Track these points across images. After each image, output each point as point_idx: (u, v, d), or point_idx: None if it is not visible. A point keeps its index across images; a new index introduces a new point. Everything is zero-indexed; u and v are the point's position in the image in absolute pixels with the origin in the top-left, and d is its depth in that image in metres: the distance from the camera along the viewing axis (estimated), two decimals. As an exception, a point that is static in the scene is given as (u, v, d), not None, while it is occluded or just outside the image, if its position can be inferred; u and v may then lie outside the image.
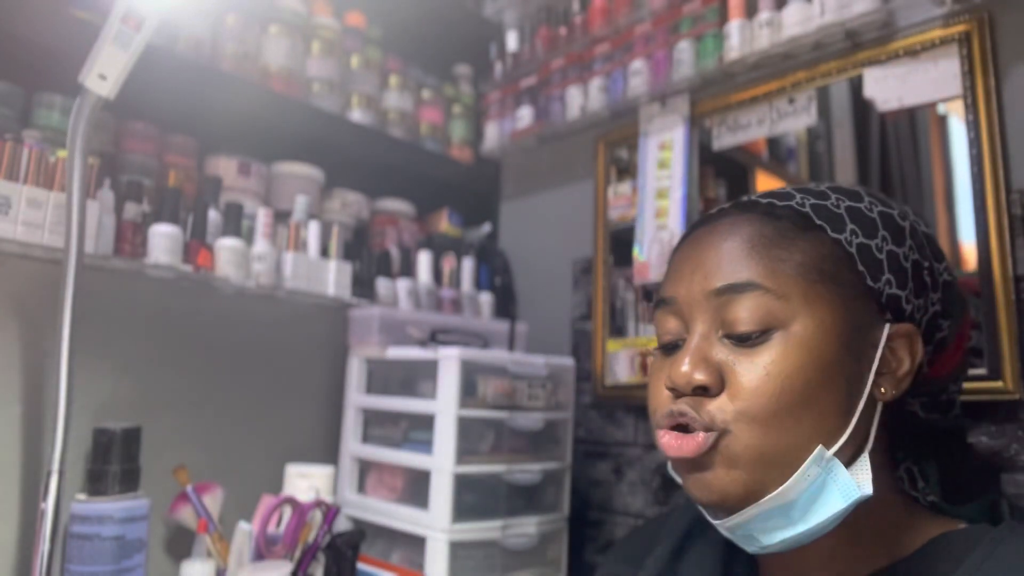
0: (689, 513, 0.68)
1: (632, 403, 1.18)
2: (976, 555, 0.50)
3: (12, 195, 0.84)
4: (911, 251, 0.55)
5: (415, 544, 1.02)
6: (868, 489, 0.50)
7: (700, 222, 0.61)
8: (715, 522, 0.54)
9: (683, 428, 0.53)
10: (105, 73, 0.79)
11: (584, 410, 1.24)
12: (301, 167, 1.23)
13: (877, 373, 0.53)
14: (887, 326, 0.53)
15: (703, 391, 0.52)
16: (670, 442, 0.53)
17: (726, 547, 0.62)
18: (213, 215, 1.06)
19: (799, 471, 0.49)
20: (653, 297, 0.63)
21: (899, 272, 0.54)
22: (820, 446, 0.50)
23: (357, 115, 1.31)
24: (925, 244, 0.57)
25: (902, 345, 0.54)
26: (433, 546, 0.99)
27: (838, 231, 0.54)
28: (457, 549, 0.99)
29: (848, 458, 0.52)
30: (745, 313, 0.52)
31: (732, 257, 0.54)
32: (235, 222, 1.06)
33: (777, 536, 0.51)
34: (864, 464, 0.51)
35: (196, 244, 1.01)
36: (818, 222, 0.54)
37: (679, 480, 0.57)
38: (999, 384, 0.80)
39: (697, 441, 0.51)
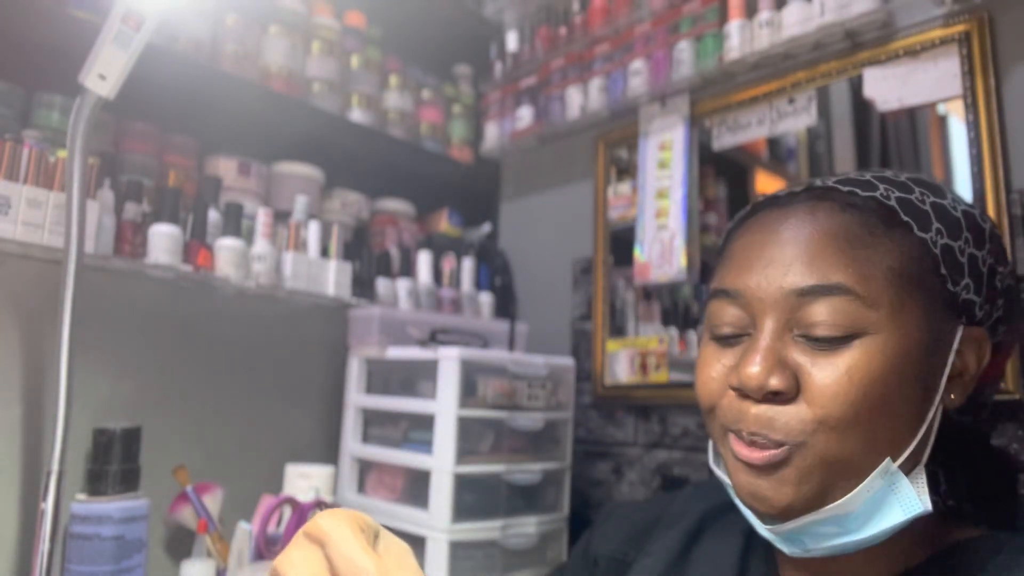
0: (703, 501, 0.65)
1: (632, 403, 1.17)
2: (997, 562, 0.48)
3: (12, 195, 0.84)
4: (988, 255, 0.53)
5: (415, 544, 1.02)
6: (928, 504, 0.47)
7: (766, 204, 0.56)
8: (763, 527, 0.52)
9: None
10: (105, 73, 0.79)
11: (584, 410, 1.24)
12: (301, 167, 1.23)
13: (948, 378, 0.50)
14: (960, 329, 0.51)
15: (774, 395, 0.49)
16: (741, 451, 0.50)
17: (744, 540, 0.60)
18: (213, 215, 1.06)
19: (864, 483, 0.47)
20: (708, 282, 0.59)
21: (977, 277, 0.51)
22: (888, 459, 0.47)
23: (357, 115, 1.31)
24: (995, 244, 0.54)
25: (971, 349, 0.52)
26: (433, 546, 0.99)
27: (924, 229, 0.50)
28: (457, 549, 0.99)
29: (908, 469, 0.49)
30: (830, 317, 0.48)
31: (817, 254, 0.49)
32: (235, 222, 1.06)
33: (827, 543, 0.50)
34: (922, 477, 0.49)
35: (196, 244, 1.01)
36: (905, 218, 0.50)
37: (725, 479, 0.54)
38: (999, 384, 0.80)
39: (770, 453, 0.48)
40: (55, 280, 0.82)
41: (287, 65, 1.21)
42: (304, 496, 0.98)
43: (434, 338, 1.16)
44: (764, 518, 0.52)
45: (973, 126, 0.86)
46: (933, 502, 0.54)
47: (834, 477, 0.48)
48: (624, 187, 1.24)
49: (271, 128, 1.18)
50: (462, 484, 1.00)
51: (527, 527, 1.06)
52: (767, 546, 0.59)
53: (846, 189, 0.52)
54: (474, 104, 1.51)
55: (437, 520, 0.99)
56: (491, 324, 1.27)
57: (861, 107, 1.03)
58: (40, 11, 0.91)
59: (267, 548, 0.92)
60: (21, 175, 0.86)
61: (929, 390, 0.49)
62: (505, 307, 1.37)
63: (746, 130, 1.10)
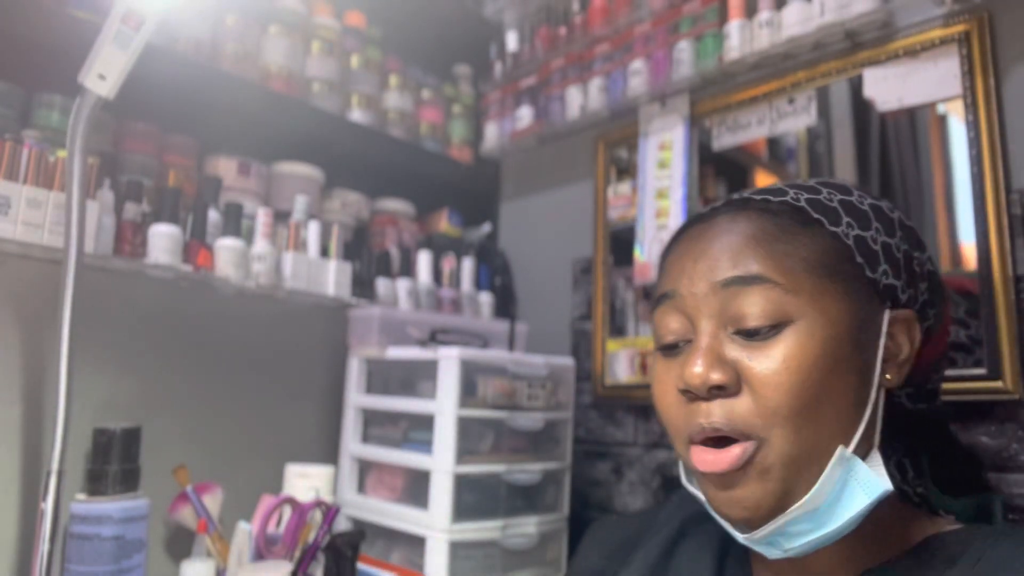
0: (681, 511, 0.67)
1: (632, 403, 1.17)
2: (970, 555, 0.50)
3: (12, 195, 0.84)
4: (901, 241, 0.56)
5: (415, 544, 1.02)
6: (888, 483, 0.50)
7: (693, 220, 0.60)
8: (741, 536, 0.53)
9: (715, 441, 0.52)
10: (105, 73, 0.79)
11: (584, 410, 1.24)
12: (301, 167, 1.23)
13: (882, 361, 0.53)
14: (887, 313, 0.54)
15: (719, 390, 0.52)
16: (704, 458, 0.51)
17: (720, 547, 0.62)
18: (213, 215, 1.06)
19: (824, 475, 0.49)
20: (651, 297, 0.62)
21: (893, 262, 0.55)
22: (841, 446, 0.50)
23: (357, 115, 1.31)
24: (909, 234, 0.58)
25: (901, 331, 0.55)
26: (433, 546, 0.99)
27: (835, 224, 0.54)
28: (457, 549, 0.99)
29: (863, 453, 0.52)
30: (755, 308, 0.51)
31: (737, 250, 0.53)
32: (235, 222, 1.06)
33: (803, 540, 0.51)
34: (878, 458, 0.52)
35: (196, 244, 1.01)
36: (815, 216, 0.55)
37: (701, 496, 0.55)
38: (999, 384, 0.80)
39: (734, 455, 0.50)
40: (55, 280, 0.82)
41: (287, 65, 1.21)
42: (304, 496, 0.98)
43: (434, 338, 1.16)
44: (739, 527, 0.53)
45: (973, 126, 0.86)
46: (903, 492, 0.59)
47: (795, 473, 0.50)
48: (624, 187, 1.24)
49: (271, 128, 1.18)
50: (462, 484, 1.00)
51: (527, 527, 1.06)
52: (743, 550, 0.60)
53: (760, 198, 0.57)
54: (474, 104, 1.51)
55: (437, 520, 0.99)
56: (491, 324, 1.27)
57: (861, 107, 1.03)
58: (40, 11, 0.91)
59: (267, 548, 0.92)
60: (21, 175, 0.86)
61: (865, 372, 0.52)
62: (505, 307, 1.37)
63: (746, 130, 1.10)
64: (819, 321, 0.51)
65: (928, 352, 0.59)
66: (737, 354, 0.52)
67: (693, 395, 0.52)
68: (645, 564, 0.64)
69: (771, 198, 0.57)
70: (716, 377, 0.51)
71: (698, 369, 0.51)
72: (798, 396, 0.49)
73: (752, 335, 0.52)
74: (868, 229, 0.55)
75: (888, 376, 0.54)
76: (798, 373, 0.49)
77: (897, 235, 0.56)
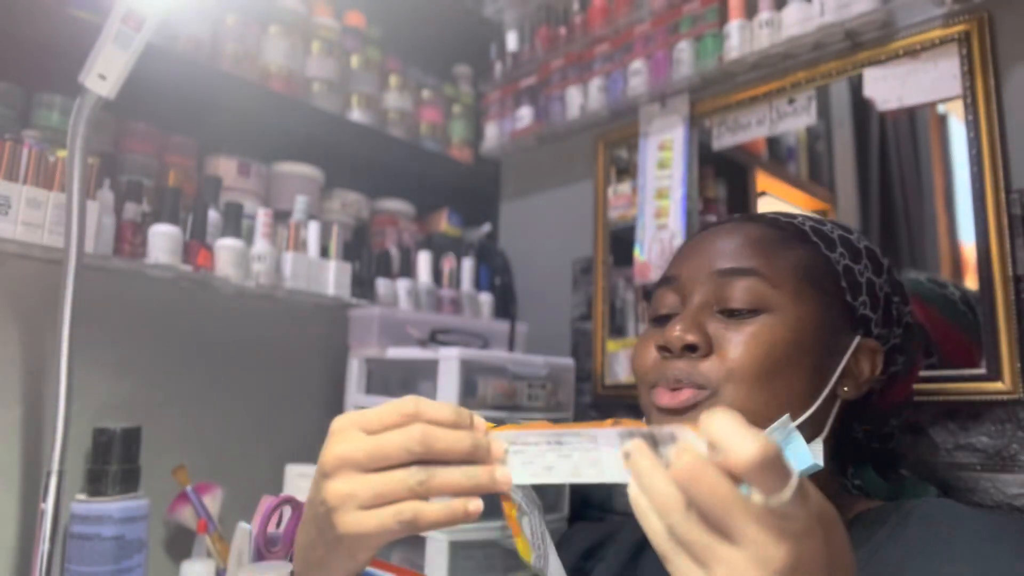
0: None
1: (632, 403, 1.17)
2: (882, 532, 0.55)
3: (12, 195, 0.84)
4: (886, 284, 0.65)
5: (415, 544, 1.02)
6: (820, 461, 0.56)
7: (707, 226, 0.68)
8: None
9: (676, 391, 0.59)
10: (105, 73, 0.79)
11: (584, 410, 1.24)
12: (301, 167, 1.23)
13: (842, 374, 0.60)
14: (857, 338, 0.62)
15: (691, 350, 0.59)
16: (662, 397, 0.60)
17: None
18: (213, 215, 1.06)
19: (765, 432, 0.52)
20: (655, 283, 0.71)
21: (874, 297, 0.63)
22: (787, 415, 0.56)
23: (357, 115, 1.31)
24: (897, 287, 0.66)
25: (866, 357, 0.62)
26: (433, 546, 0.99)
27: (830, 250, 0.63)
28: (457, 549, 0.99)
29: (807, 437, 0.58)
30: (741, 293, 0.59)
31: (737, 248, 0.62)
32: (235, 222, 1.06)
33: None
34: (819, 446, 0.59)
35: (196, 244, 1.01)
36: (814, 239, 0.63)
37: None
38: (999, 384, 0.80)
39: (687, 394, 0.58)
40: (55, 280, 0.82)
41: (287, 65, 1.21)
42: (304, 496, 0.98)
43: (434, 338, 1.16)
44: None
45: (973, 126, 0.86)
46: (841, 484, 0.66)
47: None
48: (624, 187, 1.24)
49: (271, 128, 1.18)
50: (462, 484, 1.00)
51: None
52: None
53: (770, 216, 0.67)
54: (474, 104, 1.51)
55: (437, 520, 0.99)
56: (491, 324, 1.27)
57: (861, 107, 1.03)
58: (40, 11, 0.91)
59: (267, 548, 0.92)
60: (21, 175, 0.86)
61: (823, 372, 0.60)
62: (505, 307, 1.37)
63: (746, 130, 1.10)
64: (793, 314, 0.59)
65: (892, 395, 0.67)
66: (717, 328, 0.59)
67: (668, 352, 0.60)
68: (617, 560, 0.70)
69: (780, 218, 0.66)
70: (690, 337, 0.58)
71: (677, 330, 0.59)
72: (757, 363, 0.57)
73: (733, 314, 0.60)
74: (858, 263, 0.63)
75: (845, 388, 0.61)
76: (762, 346, 0.57)
77: (883, 277, 0.65)
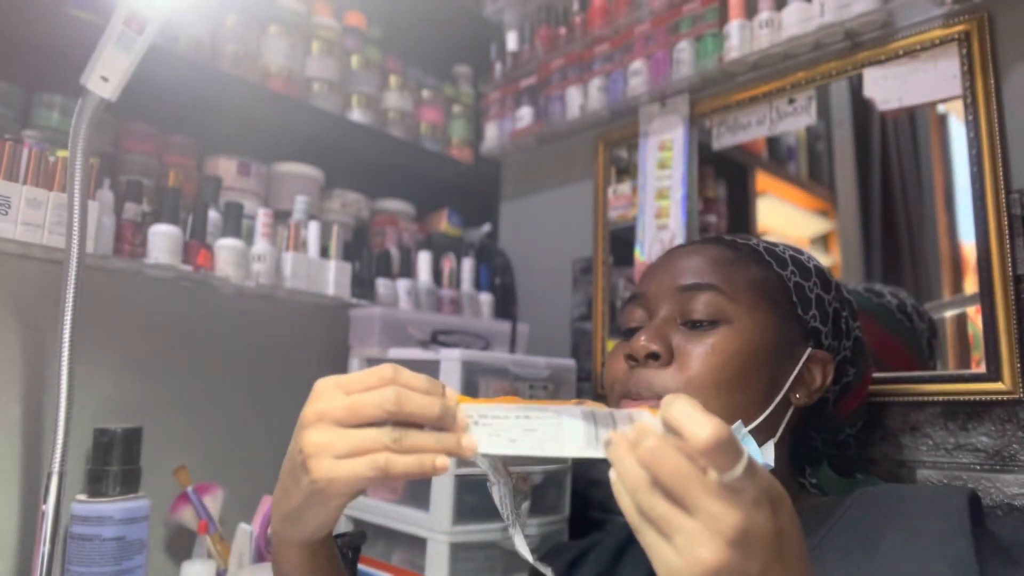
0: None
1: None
2: (827, 525, 0.59)
3: (12, 195, 0.84)
4: (834, 300, 0.70)
5: (416, 546, 1.02)
6: (771, 462, 0.61)
7: (672, 248, 0.75)
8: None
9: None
10: (107, 75, 0.79)
11: (584, 410, 1.23)
12: (301, 167, 1.23)
13: (794, 382, 0.65)
14: (808, 349, 0.67)
15: (654, 359, 0.63)
16: (628, 406, 0.61)
17: None
18: (213, 215, 1.06)
19: None
20: (624, 300, 0.75)
21: (823, 312, 0.69)
22: (740, 420, 0.60)
23: (357, 115, 1.31)
24: (846, 303, 0.72)
25: (817, 366, 0.67)
26: (434, 548, 0.99)
27: (782, 268, 0.69)
28: (458, 551, 0.99)
29: (761, 441, 0.63)
30: (702, 306, 0.65)
31: (698, 266, 0.68)
32: (235, 222, 1.06)
33: None
34: (770, 448, 0.63)
35: (196, 244, 1.01)
36: (767, 258, 0.69)
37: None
38: (999, 384, 0.80)
39: (648, 404, 0.60)
40: (55, 280, 0.82)
41: (287, 65, 1.21)
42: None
43: (436, 339, 1.16)
44: None
45: (973, 126, 0.86)
46: (800, 484, 0.71)
47: None
48: (624, 187, 1.24)
49: (271, 128, 1.18)
50: (463, 486, 1.00)
51: (528, 528, 1.06)
52: None
53: (728, 239, 0.72)
54: (474, 104, 1.51)
55: (438, 522, 0.99)
56: (492, 324, 1.27)
57: (861, 107, 1.04)
58: (40, 11, 0.91)
59: (268, 549, 0.92)
60: (21, 175, 0.86)
61: (776, 380, 0.65)
62: (506, 308, 1.37)
63: (746, 130, 1.10)
64: (748, 327, 0.64)
65: (846, 404, 0.73)
66: (679, 339, 0.64)
67: (634, 361, 0.65)
68: (599, 563, 0.75)
69: (738, 239, 0.72)
70: (654, 346, 0.63)
71: (642, 340, 0.64)
72: (716, 373, 0.62)
73: (695, 326, 0.65)
74: (807, 280, 0.69)
75: (797, 395, 0.66)
76: (720, 356, 0.62)
77: (832, 294, 0.70)
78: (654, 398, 0.62)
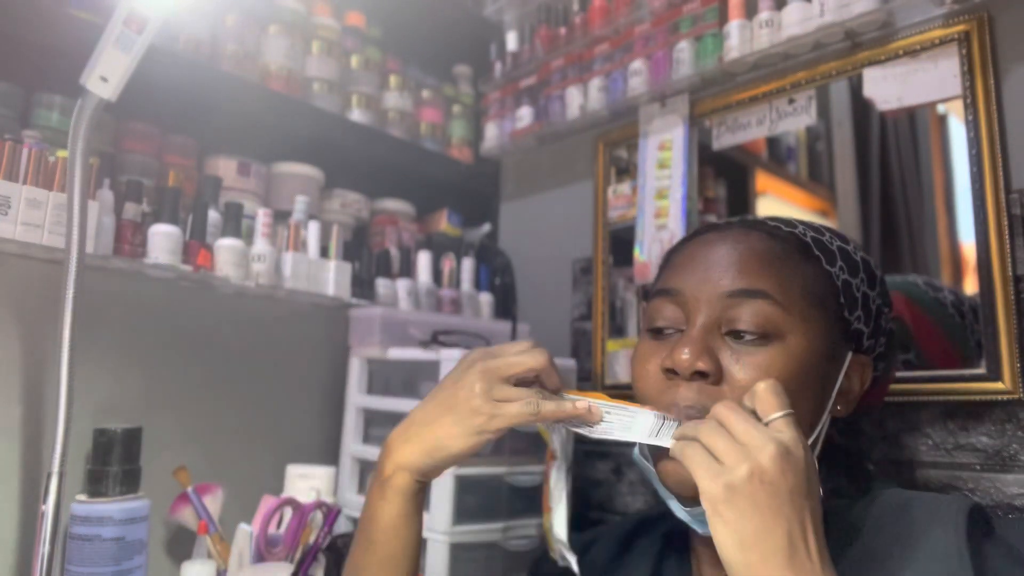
0: (635, 516, 0.79)
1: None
2: (849, 514, 0.59)
3: (12, 195, 0.84)
4: (878, 297, 0.65)
5: (416, 544, 1.02)
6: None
7: (706, 229, 0.67)
8: (682, 508, 0.59)
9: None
10: (107, 75, 0.79)
11: (584, 410, 1.24)
12: (301, 167, 1.23)
13: (837, 393, 0.62)
14: (849, 354, 0.63)
15: (701, 376, 0.58)
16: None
17: (664, 541, 0.71)
18: (213, 215, 1.06)
19: None
20: (650, 289, 0.72)
21: (867, 311, 0.64)
22: None
23: (357, 115, 1.31)
24: (887, 296, 0.67)
25: (856, 372, 0.64)
26: (434, 548, 0.98)
27: (831, 264, 0.63)
28: (458, 551, 0.99)
29: None
30: (752, 317, 0.58)
31: (747, 266, 0.60)
32: (235, 222, 1.06)
33: None
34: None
35: (196, 244, 1.01)
36: (816, 252, 0.63)
37: (646, 466, 0.62)
38: (999, 384, 0.80)
39: None
40: (55, 280, 0.82)
41: (287, 65, 1.21)
42: (305, 497, 0.98)
43: (436, 339, 1.16)
44: (683, 500, 0.58)
45: (973, 126, 0.86)
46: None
47: None
48: (624, 187, 1.24)
49: (271, 128, 1.18)
50: (463, 486, 1.00)
51: (528, 529, 1.06)
52: (683, 545, 0.69)
53: (772, 223, 0.65)
54: (474, 104, 1.51)
55: (438, 522, 0.99)
56: (492, 324, 1.26)
57: (861, 107, 1.04)
58: (40, 11, 0.91)
59: (268, 549, 0.92)
60: (21, 175, 0.86)
61: (822, 398, 0.61)
62: (506, 307, 1.37)
63: (746, 130, 1.10)
64: (802, 343, 0.58)
65: (869, 398, 0.68)
66: (724, 352, 0.59)
67: (675, 376, 0.59)
68: (604, 553, 0.74)
69: (782, 227, 0.65)
70: (701, 364, 0.57)
71: (686, 355, 0.57)
72: None
73: (740, 336, 0.58)
74: (855, 277, 0.63)
75: (839, 407, 0.63)
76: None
77: (876, 289, 0.65)
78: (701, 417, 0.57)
